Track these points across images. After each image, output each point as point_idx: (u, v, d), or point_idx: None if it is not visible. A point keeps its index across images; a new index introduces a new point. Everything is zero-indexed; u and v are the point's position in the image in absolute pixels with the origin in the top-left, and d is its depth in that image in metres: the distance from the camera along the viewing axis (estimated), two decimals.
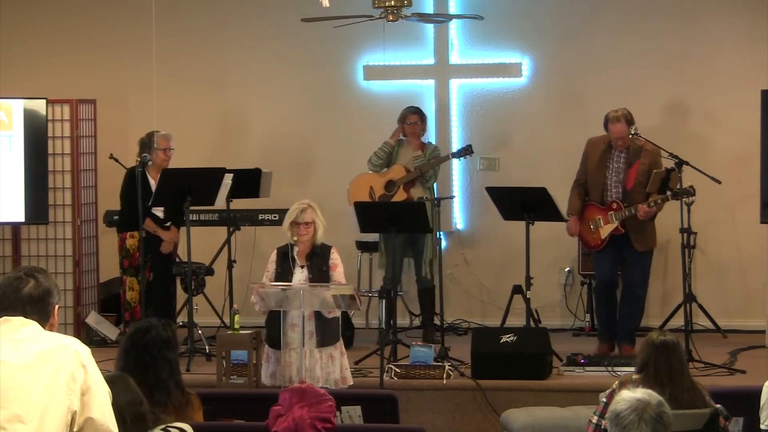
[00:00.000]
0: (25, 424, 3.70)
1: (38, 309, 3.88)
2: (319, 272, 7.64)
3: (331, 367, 7.59)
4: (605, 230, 8.84)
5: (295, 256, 7.68)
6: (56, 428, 3.74)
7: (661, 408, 4.12)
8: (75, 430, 3.79)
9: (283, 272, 7.65)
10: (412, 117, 9.87)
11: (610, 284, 8.98)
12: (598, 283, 9.15)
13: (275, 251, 7.78)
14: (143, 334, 5.60)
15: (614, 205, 8.81)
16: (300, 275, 7.63)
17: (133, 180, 9.17)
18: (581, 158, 9.07)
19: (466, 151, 9.83)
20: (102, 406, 3.84)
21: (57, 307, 3.96)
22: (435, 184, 10.19)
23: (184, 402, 5.59)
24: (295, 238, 7.65)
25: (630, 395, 4.15)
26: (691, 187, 8.60)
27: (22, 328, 3.84)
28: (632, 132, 8.78)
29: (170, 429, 4.74)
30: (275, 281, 7.60)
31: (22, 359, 3.77)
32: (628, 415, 4.07)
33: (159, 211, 9.39)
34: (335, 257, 7.72)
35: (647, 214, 8.74)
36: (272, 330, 7.62)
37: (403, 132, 9.88)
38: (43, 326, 3.88)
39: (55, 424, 3.73)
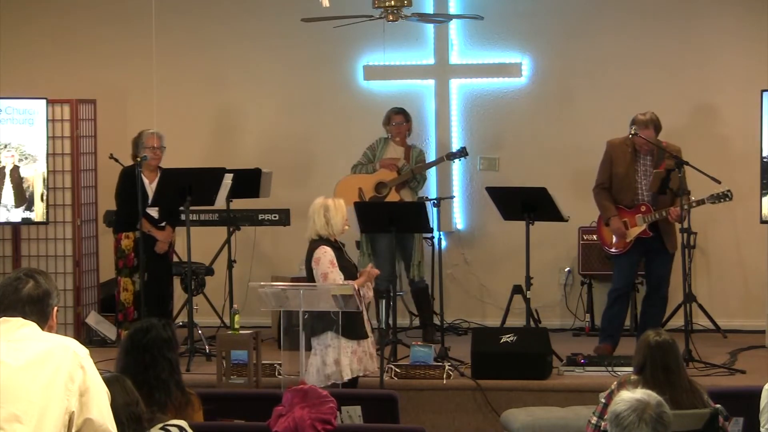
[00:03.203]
0: (23, 425, 3.70)
1: (37, 310, 3.89)
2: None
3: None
4: (632, 233, 8.80)
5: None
6: (54, 428, 3.74)
7: (661, 408, 4.13)
8: (74, 431, 3.80)
9: (348, 266, 7.55)
10: (397, 117, 9.90)
11: (630, 287, 8.95)
12: (618, 286, 8.94)
13: (327, 247, 7.47)
14: (143, 334, 5.60)
15: (643, 208, 8.76)
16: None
17: (127, 180, 9.17)
18: (603, 161, 8.95)
19: (460, 154, 9.83)
20: (100, 407, 3.84)
21: (56, 309, 3.96)
22: (435, 186, 10.23)
23: (185, 402, 5.60)
24: (347, 227, 7.60)
25: (629, 396, 4.15)
26: (728, 191, 8.60)
27: (21, 328, 3.85)
28: (632, 132, 8.77)
29: (168, 427, 4.76)
30: (345, 278, 7.42)
31: (21, 360, 3.77)
32: (628, 416, 4.07)
33: (153, 211, 9.37)
34: None
35: (679, 217, 8.72)
36: (359, 321, 7.50)
37: (389, 132, 9.90)
38: (42, 327, 3.88)
39: (52, 425, 3.74)
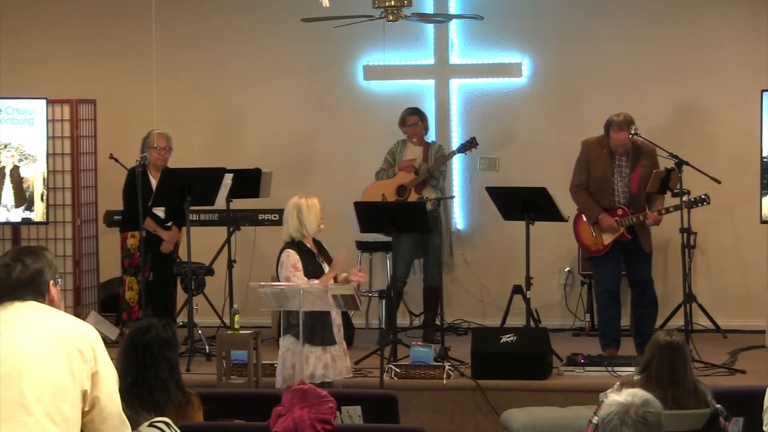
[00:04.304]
0: (39, 404, 3.79)
1: (30, 291, 3.96)
2: (329, 264, 7.63)
3: (345, 359, 7.58)
4: (609, 236, 8.79)
5: (316, 253, 7.60)
6: (71, 407, 3.84)
7: (646, 408, 4.12)
8: (86, 408, 3.90)
9: (315, 269, 7.46)
10: (411, 118, 9.90)
11: (616, 290, 8.92)
12: (607, 288, 8.91)
13: (291, 250, 7.44)
14: (143, 334, 5.61)
15: (620, 211, 8.74)
16: (325, 269, 7.55)
17: (133, 180, 9.17)
18: (579, 161, 8.93)
19: (470, 144, 9.86)
20: (109, 389, 3.95)
21: (52, 282, 4.02)
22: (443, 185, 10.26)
23: (185, 402, 5.59)
24: (322, 227, 7.56)
25: (614, 399, 4.17)
26: (706, 195, 8.59)
27: (32, 311, 3.93)
28: (632, 132, 8.75)
29: (156, 424, 4.77)
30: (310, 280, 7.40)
31: (34, 343, 3.86)
32: (611, 420, 4.09)
33: (160, 211, 9.39)
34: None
35: (656, 222, 8.72)
36: (326, 326, 7.44)
37: (405, 133, 9.92)
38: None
39: (70, 404, 3.83)
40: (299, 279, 7.36)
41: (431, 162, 9.83)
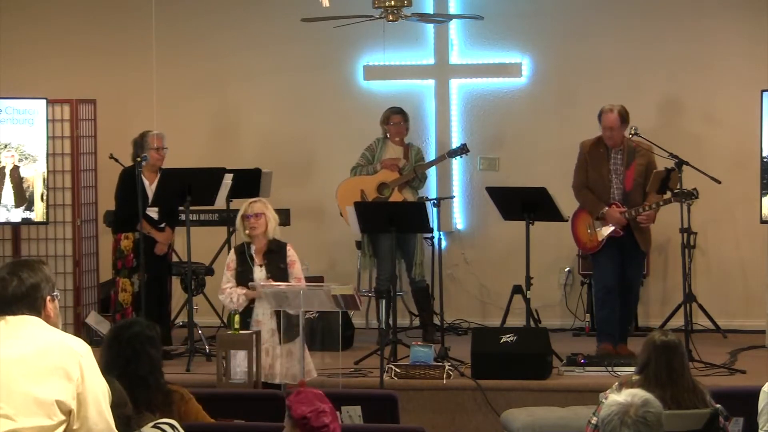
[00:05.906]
0: (11, 420, 3.74)
1: (27, 305, 3.92)
2: (278, 270, 7.77)
3: (290, 363, 7.72)
4: (603, 232, 8.80)
5: (253, 255, 7.80)
6: (47, 425, 3.77)
7: (646, 408, 4.13)
8: (75, 426, 3.84)
9: (244, 272, 7.76)
10: (396, 117, 9.89)
11: (614, 285, 8.92)
12: (604, 284, 8.90)
13: (233, 251, 7.94)
14: (126, 329, 5.60)
15: (614, 208, 8.77)
16: (259, 274, 7.76)
17: (127, 181, 9.17)
18: (578, 164, 8.95)
19: (462, 150, 9.84)
20: (97, 407, 3.88)
21: (49, 298, 3.98)
22: (435, 185, 10.22)
23: (167, 403, 5.56)
24: (248, 232, 7.76)
25: (614, 399, 4.18)
26: (694, 189, 8.59)
27: (21, 326, 3.88)
28: (632, 132, 8.76)
29: (160, 425, 4.75)
30: (236, 281, 7.75)
31: (16, 354, 3.81)
32: (611, 420, 4.10)
33: (153, 212, 9.36)
34: (292, 254, 7.88)
35: (648, 218, 8.74)
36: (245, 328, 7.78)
37: (387, 132, 9.89)
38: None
39: (45, 421, 3.76)
40: (224, 277, 7.84)
41: (412, 163, 9.81)
